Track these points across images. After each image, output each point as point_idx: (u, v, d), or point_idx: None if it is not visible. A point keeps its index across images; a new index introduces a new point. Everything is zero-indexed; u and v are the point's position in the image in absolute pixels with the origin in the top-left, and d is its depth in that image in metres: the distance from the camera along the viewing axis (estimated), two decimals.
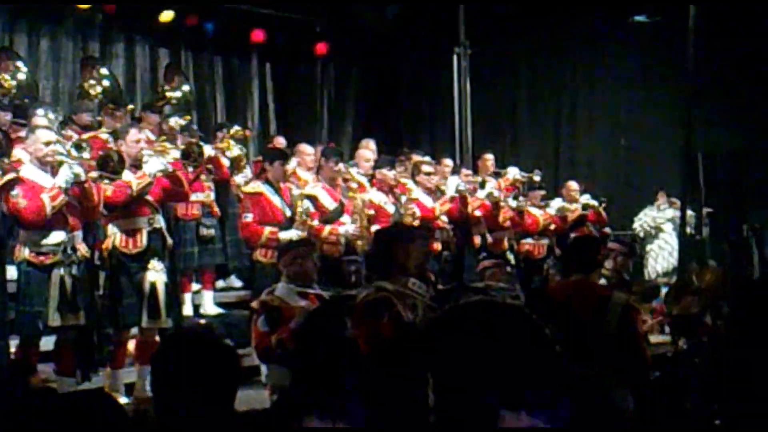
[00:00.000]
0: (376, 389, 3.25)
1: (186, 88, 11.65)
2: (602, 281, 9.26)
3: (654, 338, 8.09)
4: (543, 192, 11.92)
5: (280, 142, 11.56)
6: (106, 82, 10.48)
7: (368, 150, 10.68)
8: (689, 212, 12.37)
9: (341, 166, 9.52)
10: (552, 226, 11.82)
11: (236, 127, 10.27)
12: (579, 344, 5.17)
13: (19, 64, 9.84)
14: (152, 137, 9.25)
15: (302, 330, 5.89)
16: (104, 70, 10.74)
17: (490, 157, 12.36)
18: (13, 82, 9.47)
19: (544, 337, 2.29)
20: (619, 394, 3.09)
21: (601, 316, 5.61)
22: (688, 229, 12.30)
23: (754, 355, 4.66)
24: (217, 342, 2.79)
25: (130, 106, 11.13)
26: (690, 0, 10.56)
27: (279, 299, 6.55)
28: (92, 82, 10.39)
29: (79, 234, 7.31)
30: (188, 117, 10.34)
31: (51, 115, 8.89)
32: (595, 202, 12.41)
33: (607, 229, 12.74)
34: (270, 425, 2.93)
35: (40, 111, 8.90)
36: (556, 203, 12.24)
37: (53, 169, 7.10)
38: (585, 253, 6.16)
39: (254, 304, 6.82)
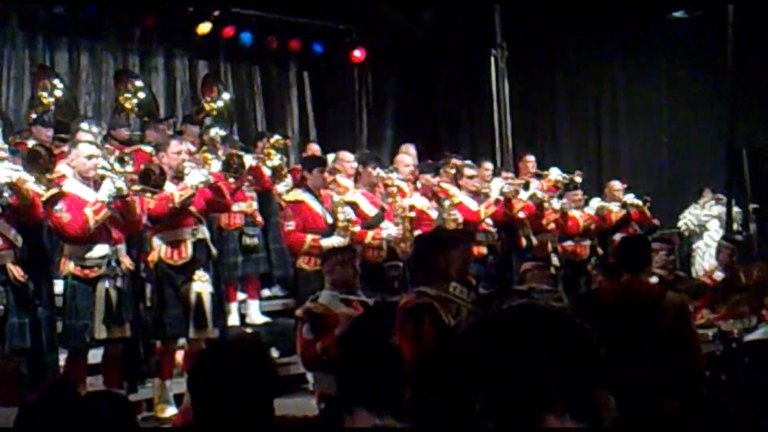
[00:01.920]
0: (419, 395, 3.25)
1: (226, 97, 11.75)
2: (654, 279, 9.21)
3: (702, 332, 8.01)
4: (579, 192, 11.82)
5: (314, 148, 11.59)
6: (141, 95, 10.58)
7: (408, 155, 10.67)
8: (735, 209, 12.23)
9: (379, 171, 9.53)
10: (592, 226, 11.72)
11: (276, 137, 10.28)
12: (631, 346, 5.13)
13: (56, 81, 9.95)
14: (193, 149, 9.31)
15: (346, 337, 5.91)
16: (139, 83, 10.83)
17: (531, 159, 12.31)
18: (51, 99, 9.59)
19: (589, 339, 2.28)
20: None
21: (655, 316, 5.53)
22: (735, 226, 12.17)
23: None
24: (254, 350, 2.79)
25: (172, 119, 11.21)
26: None
27: (323, 306, 6.59)
28: (127, 95, 10.48)
29: (122, 247, 7.39)
30: (227, 127, 10.38)
31: (95, 129, 8.97)
32: (638, 201, 12.29)
33: (656, 221, 12.62)
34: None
35: (84, 125, 8.99)
36: (595, 203, 12.16)
37: (96, 183, 7.17)
38: (633, 253, 6.09)
39: (298, 312, 6.84)
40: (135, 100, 10.45)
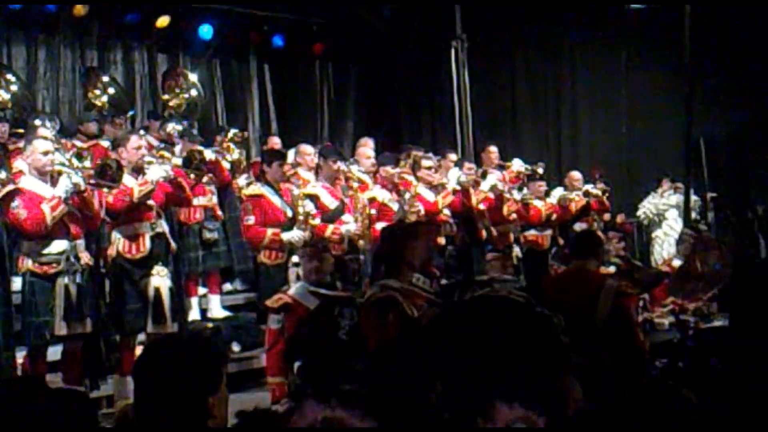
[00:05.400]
0: (382, 387, 3.26)
1: (193, 92, 11.68)
2: (611, 269, 9.30)
3: (660, 320, 8.09)
4: (543, 183, 11.90)
5: (275, 142, 11.57)
6: (111, 90, 10.53)
7: (368, 148, 10.69)
8: (693, 197, 12.34)
9: (340, 164, 9.53)
10: (554, 217, 11.79)
11: (234, 131, 10.26)
12: (574, 333, 5.17)
13: (10, 77, 9.88)
14: (155, 143, 9.27)
15: (299, 334, 5.95)
16: (106, 78, 10.77)
17: (494, 150, 12.34)
18: (7, 96, 9.53)
19: (550, 328, 2.29)
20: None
21: (594, 304, 5.60)
22: (693, 214, 12.28)
23: (758, 338, 4.63)
24: (198, 347, 2.80)
25: (130, 113, 11.15)
26: None
27: (289, 297, 6.64)
28: (97, 92, 10.43)
29: (81, 242, 7.33)
30: (186, 122, 10.32)
31: (48, 125, 8.92)
32: (597, 191, 12.39)
33: (607, 215, 12.75)
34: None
35: (38, 121, 8.96)
36: (557, 193, 12.23)
37: (53, 179, 7.12)
38: (583, 240, 6.19)
39: (268, 302, 6.89)
40: (105, 97, 10.40)
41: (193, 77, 11.52)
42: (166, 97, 11.20)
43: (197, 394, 2.68)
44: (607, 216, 12.73)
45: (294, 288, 6.81)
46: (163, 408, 2.64)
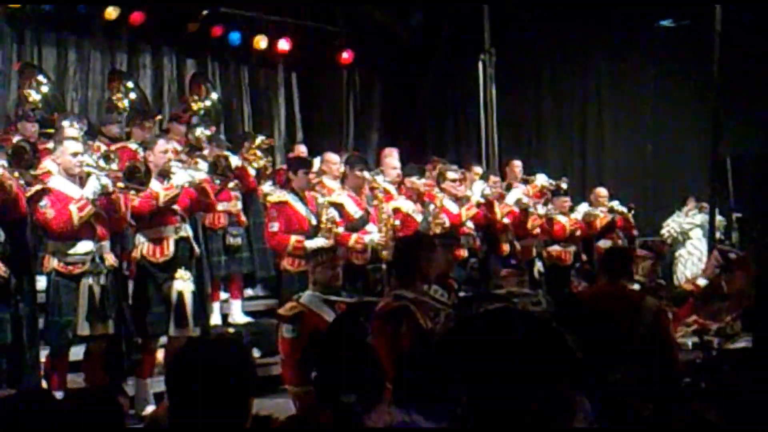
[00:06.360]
0: (397, 396, 3.26)
1: (214, 97, 11.76)
2: (635, 286, 9.25)
3: (683, 340, 8.03)
4: (567, 198, 11.86)
5: (302, 150, 11.59)
6: (132, 95, 10.61)
7: (393, 158, 10.67)
8: (718, 217, 12.28)
9: (366, 174, 9.53)
10: (578, 232, 11.75)
11: (260, 138, 10.29)
12: (610, 349, 5.17)
13: (41, 78, 9.97)
14: (179, 148, 9.31)
15: (324, 336, 5.93)
16: (130, 83, 10.85)
17: (518, 164, 12.32)
18: (38, 96, 9.63)
19: (564, 343, 2.29)
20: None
21: (633, 321, 5.59)
22: (718, 234, 12.21)
23: None
24: (233, 348, 2.80)
25: (158, 117, 11.21)
26: (715, 3, 10.53)
27: (303, 306, 6.60)
28: (119, 95, 10.50)
29: (106, 244, 7.37)
30: (214, 128, 10.36)
31: (77, 126, 8.98)
32: (623, 208, 12.34)
33: (634, 232, 12.68)
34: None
35: (66, 122, 9.01)
36: (582, 209, 12.18)
37: (81, 179, 7.17)
38: (615, 260, 6.18)
39: (280, 311, 6.86)
40: (126, 101, 10.47)
41: (214, 94, 11.65)
42: (192, 100, 11.28)
43: (242, 394, 2.68)
44: (635, 232, 12.64)
45: (305, 297, 6.76)
46: (207, 410, 2.63)
